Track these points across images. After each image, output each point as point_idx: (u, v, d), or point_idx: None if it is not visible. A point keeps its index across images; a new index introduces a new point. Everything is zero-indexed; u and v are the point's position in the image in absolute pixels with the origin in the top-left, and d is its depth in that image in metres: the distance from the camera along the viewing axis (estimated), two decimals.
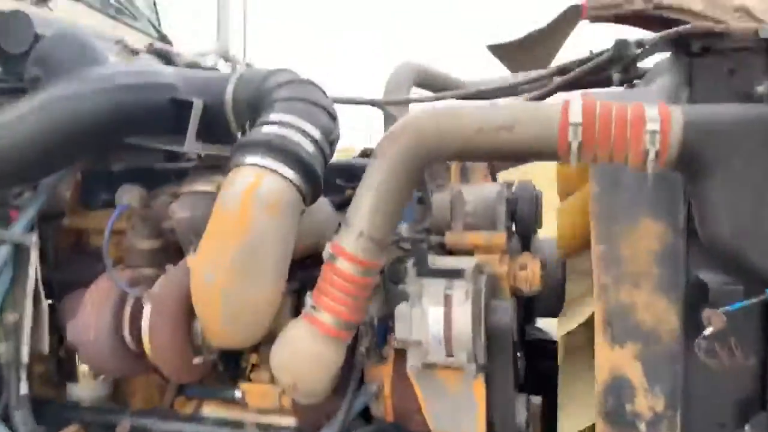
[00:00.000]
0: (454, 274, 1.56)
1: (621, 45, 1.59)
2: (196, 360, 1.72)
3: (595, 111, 1.31)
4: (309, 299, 1.54)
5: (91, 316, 1.73)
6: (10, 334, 1.78)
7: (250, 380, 1.88)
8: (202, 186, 1.81)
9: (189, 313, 1.68)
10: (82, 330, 1.73)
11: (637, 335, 1.47)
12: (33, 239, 1.71)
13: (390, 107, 1.96)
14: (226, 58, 4.24)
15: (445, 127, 1.39)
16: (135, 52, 2.07)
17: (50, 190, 1.79)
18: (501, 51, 2.80)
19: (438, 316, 1.52)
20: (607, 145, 1.31)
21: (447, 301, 1.52)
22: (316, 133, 1.60)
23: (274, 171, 1.49)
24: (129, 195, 1.84)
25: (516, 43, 2.74)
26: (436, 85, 2.17)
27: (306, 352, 1.52)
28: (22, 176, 1.65)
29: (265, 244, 1.49)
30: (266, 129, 1.58)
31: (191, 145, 1.74)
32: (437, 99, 1.91)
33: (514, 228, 1.82)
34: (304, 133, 1.58)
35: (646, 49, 1.57)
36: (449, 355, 1.54)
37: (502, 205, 1.69)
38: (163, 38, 3.01)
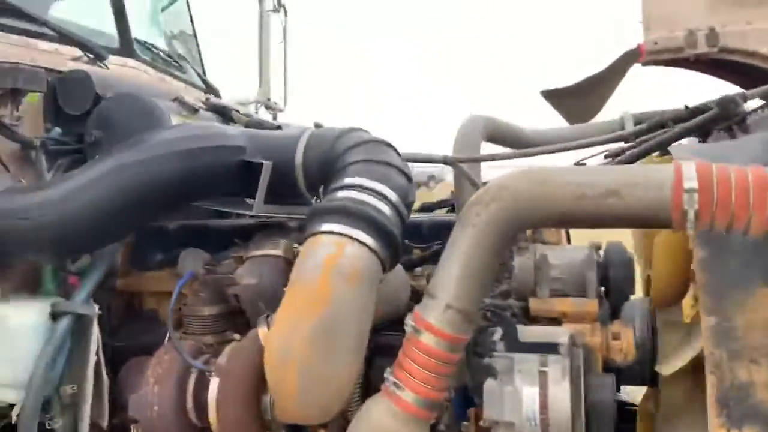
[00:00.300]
0: (549, 348, 1.44)
1: (728, 102, 1.48)
2: None
3: (711, 175, 1.21)
4: (390, 376, 1.43)
5: (153, 390, 1.64)
6: (68, 408, 1.69)
7: None
8: (270, 250, 1.73)
9: (259, 387, 1.59)
10: (144, 405, 1.63)
11: (757, 417, 1.33)
12: (95, 310, 1.63)
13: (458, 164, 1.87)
14: (268, 106, 4.23)
15: (542, 193, 1.29)
16: (194, 110, 2.02)
17: (112, 257, 1.71)
18: (555, 98, 2.72)
19: (533, 396, 1.39)
20: (726, 212, 1.19)
21: (542, 379, 1.40)
22: (393, 196, 1.51)
23: (355, 239, 1.40)
24: (193, 260, 1.77)
25: (570, 89, 2.66)
26: (507, 139, 2.08)
27: None
28: (90, 244, 1.58)
29: (345, 316, 1.39)
30: (342, 194, 1.49)
31: (260, 208, 1.66)
32: (518, 156, 1.81)
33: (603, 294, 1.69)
34: (381, 196, 1.49)
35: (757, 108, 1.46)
36: None
37: (593, 271, 1.58)
38: (211, 89, 2.98)
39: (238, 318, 1.89)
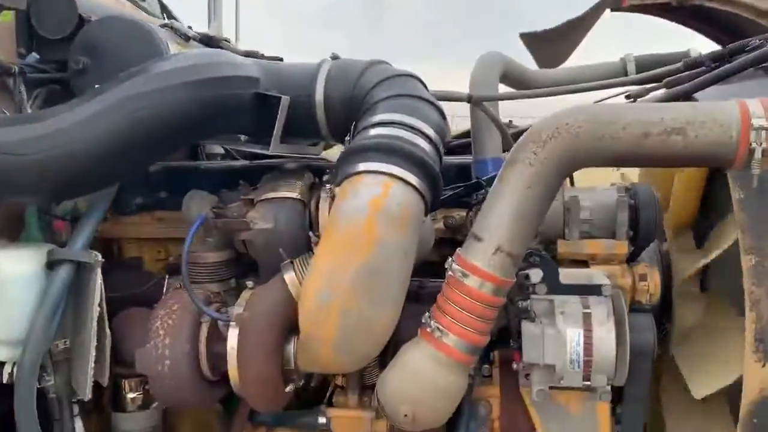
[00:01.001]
0: (591, 290, 1.43)
1: None
2: (289, 388, 1.53)
3: None
4: (430, 320, 1.37)
5: (164, 343, 1.51)
6: (61, 364, 1.54)
7: (332, 404, 1.70)
8: (285, 192, 1.60)
9: (282, 337, 1.50)
10: (154, 359, 1.51)
11: None
12: (98, 257, 1.47)
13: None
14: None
15: (605, 131, 1.24)
16: (187, 38, 1.82)
17: (111, 198, 1.54)
18: (532, 41, 2.67)
19: (577, 338, 1.38)
20: None
21: (587, 320, 1.39)
22: (431, 132, 1.43)
23: (401, 179, 1.32)
24: (200, 202, 1.62)
25: (548, 33, 2.62)
26: (518, 80, 2.01)
27: (430, 380, 1.36)
28: (98, 182, 1.41)
29: (390, 260, 1.31)
30: (378, 131, 1.39)
31: (276, 147, 1.54)
32: (546, 94, 1.75)
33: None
34: (419, 133, 1.41)
35: None
36: (587, 379, 1.40)
37: (625, 212, 1.56)
38: (174, 19, 2.73)
39: (237, 265, 1.78)
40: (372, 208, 1.28)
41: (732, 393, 1.48)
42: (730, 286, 1.59)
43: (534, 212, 1.31)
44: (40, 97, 1.61)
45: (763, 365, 1.39)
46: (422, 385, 1.37)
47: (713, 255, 1.54)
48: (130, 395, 1.79)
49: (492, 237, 1.32)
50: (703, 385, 1.50)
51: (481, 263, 1.32)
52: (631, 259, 1.66)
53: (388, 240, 1.29)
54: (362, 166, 1.33)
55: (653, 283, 1.58)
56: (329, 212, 1.58)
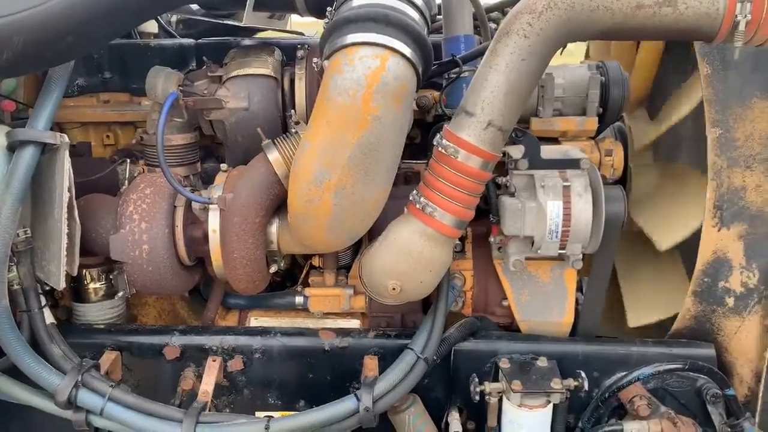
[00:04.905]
0: (569, 164, 1.48)
1: None
2: (272, 269, 1.53)
3: None
4: (419, 197, 1.39)
5: (141, 228, 1.45)
6: (24, 254, 1.45)
7: (308, 284, 1.72)
8: (257, 68, 1.52)
9: (266, 219, 1.47)
10: (130, 245, 1.45)
11: (744, 217, 1.51)
12: (64, 138, 1.36)
13: None
14: None
15: (600, 1, 1.24)
16: None
17: (69, 74, 1.40)
18: None
19: (557, 210, 1.44)
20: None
21: (566, 193, 1.45)
22: (419, 1, 1.38)
23: (396, 51, 1.27)
24: (167, 80, 1.51)
25: None
26: None
27: (420, 254, 1.39)
28: (65, 52, 1.24)
29: (386, 137, 1.29)
30: (365, 0, 1.33)
31: (250, 19, 1.44)
32: None
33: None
34: (407, 1, 1.35)
35: None
36: (562, 248, 1.48)
37: (596, 89, 1.59)
38: None
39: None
40: (369, 81, 1.24)
41: (683, 246, 1.63)
42: (681, 154, 1.72)
43: (527, 86, 1.32)
44: None
45: (719, 230, 1.52)
46: (412, 260, 1.40)
47: (670, 123, 1.64)
48: (93, 285, 1.73)
49: (484, 112, 1.32)
50: (667, 238, 1.63)
51: (472, 138, 1.33)
52: (595, 135, 1.73)
53: (384, 115, 1.27)
54: (354, 38, 1.27)
55: (617, 158, 1.65)
56: (306, 88, 1.53)
